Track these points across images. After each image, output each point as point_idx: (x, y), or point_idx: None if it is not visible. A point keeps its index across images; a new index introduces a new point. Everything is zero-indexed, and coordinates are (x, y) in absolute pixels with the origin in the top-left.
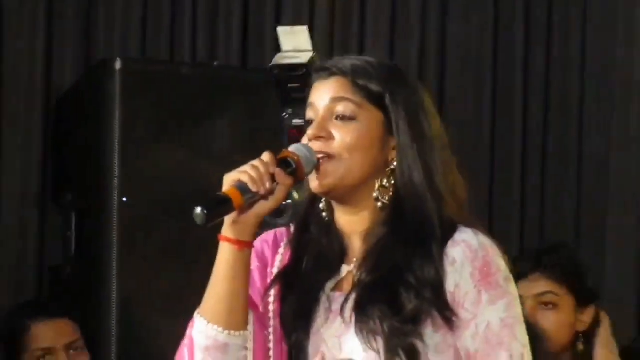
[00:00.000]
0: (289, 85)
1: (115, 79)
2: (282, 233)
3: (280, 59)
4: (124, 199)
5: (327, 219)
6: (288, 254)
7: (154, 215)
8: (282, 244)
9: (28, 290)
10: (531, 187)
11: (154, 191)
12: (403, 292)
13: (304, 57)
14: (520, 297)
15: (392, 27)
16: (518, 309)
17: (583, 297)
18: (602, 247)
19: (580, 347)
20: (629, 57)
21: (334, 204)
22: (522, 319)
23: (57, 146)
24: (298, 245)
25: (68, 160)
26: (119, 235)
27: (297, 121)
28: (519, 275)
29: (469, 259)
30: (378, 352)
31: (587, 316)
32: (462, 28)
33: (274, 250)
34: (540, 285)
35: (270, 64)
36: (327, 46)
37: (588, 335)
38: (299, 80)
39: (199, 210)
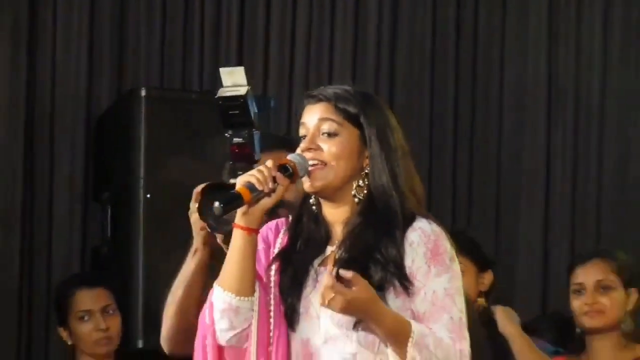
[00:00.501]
0: (230, 112)
1: (141, 103)
2: (282, 222)
3: (223, 92)
4: (148, 196)
5: (316, 211)
6: (286, 238)
7: (171, 209)
8: (282, 230)
9: (74, 266)
10: (460, 178)
11: (171, 191)
12: (372, 266)
13: (242, 91)
14: None
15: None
16: (459, 283)
17: (481, 264)
18: (516, 231)
19: (482, 301)
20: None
21: (321, 199)
22: (461, 291)
23: (97, 156)
24: (294, 231)
25: (105, 166)
26: (143, 223)
27: (236, 139)
28: None
29: (423, 242)
30: (356, 319)
31: (487, 279)
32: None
33: (276, 235)
34: None
35: (216, 96)
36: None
37: (487, 294)
38: (237, 108)
39: (217, 204)
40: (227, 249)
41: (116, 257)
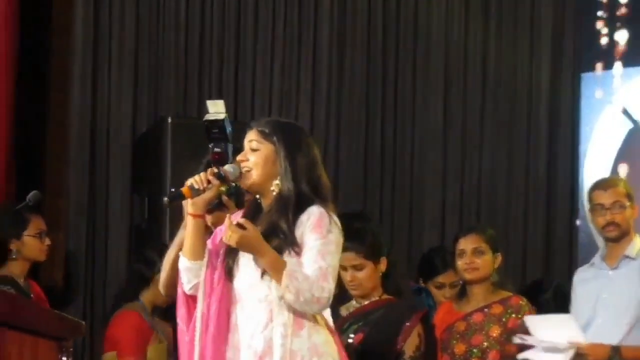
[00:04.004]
0: (213, 130)
1: (168, 128)
2: (239, 213)
3: (208, 117)
4: (172, 190)
5: (259, 201)
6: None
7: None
8: (239, 217)
9: (124, 236)
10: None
11: None
12: (274, 236)
13: (221, 116)
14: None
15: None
16: (331, 247)
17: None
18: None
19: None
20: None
21: (259, 195)
22: (333, 252)
23: (137, 165)
24: (245, 215)
25: (143, 173)
26: (170, 210)
27: (216, 149)
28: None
29: (309, 219)
30: (262, 270)
31: (383, 265)
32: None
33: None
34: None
35: (203, 120)
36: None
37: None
38: (217, 128)
39: (165, 199)
40: (214, 228)
41: (151, 231)
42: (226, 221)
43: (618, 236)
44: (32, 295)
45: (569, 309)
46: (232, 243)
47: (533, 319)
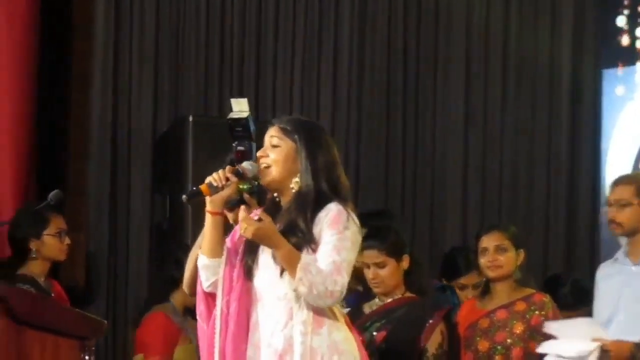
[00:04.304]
0: (236, 129)
1: (189, 127)
2: (259, 212)
3: (232, 115)
4: (194, 188)
5: (277, 200)
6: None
7: None
8: (259, 214)
9: (144, 235)
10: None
11: None
12: (292, 234)
13: (244, 114)
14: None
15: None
16: (347, 243)
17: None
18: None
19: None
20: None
21: (277, 192)
22: (348, 248)
23: (159, 162)
24: (265, 212)
25: (164, 172)
26: (191, 208)
27: (239, 147)
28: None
29: (327, 215)
30: (282, 268)
31: (405, 262)
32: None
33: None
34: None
35: (227, 118)
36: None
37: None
38: (241, 126)
39: (183, 196)
40: (235, 225)
41: (172, 229)
42: (241, 214)
43: (622, 234)
44: (53, 295)
45: (586, 303)
46: (248, 235)
47: (554, 324)
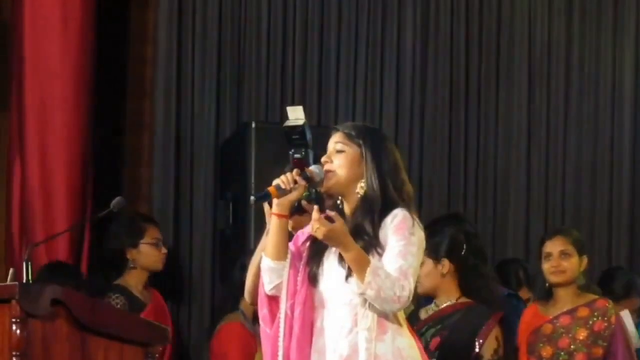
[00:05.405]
0: (293, 137)
1: (252, 133)
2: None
3: (288, 123)
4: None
5: (340, 206)
6: None
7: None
8: (331, 215)
9: (208, 243)
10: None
11: None
12: (359, 237)
13: (300, 122)
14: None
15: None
16: (413, 249)
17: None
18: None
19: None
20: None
21: (341, 197)
22: (414, 254)
23: (221, 170)
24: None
25: (228, 178)
26: (254, 214)
27: (296, 155)
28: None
29: (393, 221)
30: (347, 274)
31: (445, 266)
32: None
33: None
34: None
35: (283, 125)
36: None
37: None
38: (297, 134)
39: (252, 198)
40: (294, 232)
41: (236, 236)
42: (314, 214)
43: None
44: (149, 305)
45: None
46: (319, 235)
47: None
